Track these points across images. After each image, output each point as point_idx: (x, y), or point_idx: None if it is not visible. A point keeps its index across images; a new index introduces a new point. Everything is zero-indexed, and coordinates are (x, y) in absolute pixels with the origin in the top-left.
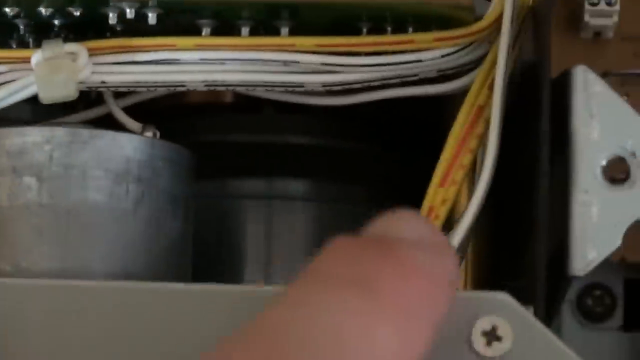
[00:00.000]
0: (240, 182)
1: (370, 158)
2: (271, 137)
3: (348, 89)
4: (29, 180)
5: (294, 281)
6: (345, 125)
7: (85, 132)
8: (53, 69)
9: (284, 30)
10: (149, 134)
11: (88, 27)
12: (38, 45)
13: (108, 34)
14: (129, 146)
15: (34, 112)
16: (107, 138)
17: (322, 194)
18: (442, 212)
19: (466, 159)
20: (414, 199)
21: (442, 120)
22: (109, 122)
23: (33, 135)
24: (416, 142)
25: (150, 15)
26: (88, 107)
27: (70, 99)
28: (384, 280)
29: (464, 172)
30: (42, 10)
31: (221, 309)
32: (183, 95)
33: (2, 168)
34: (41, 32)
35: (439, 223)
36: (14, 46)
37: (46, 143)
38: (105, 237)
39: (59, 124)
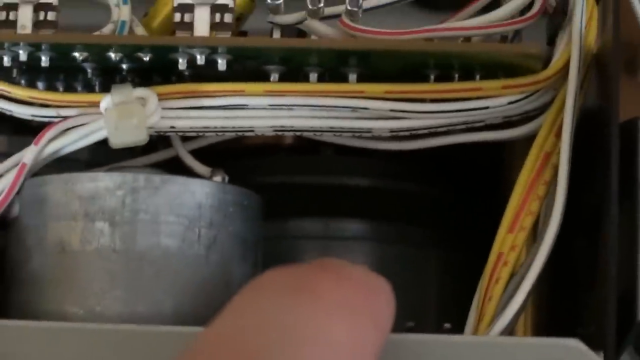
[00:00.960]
0: (297, 222)
1: (427, 200)
2: (329, 178)
3: (414, 135)
4: (101, 225)
5: (238, 294)
6: (402, 167)
7: (157, 178)
8: (123, 113)
9: (352, 77)
10: (217, 178)
11: (154, 71)
12: (104, 88)
13: (173, 78)
14: (201, 191)
15: (95, 153)
16: (178, 183)
17: (378, 235)
18: (512, 258)
19: (534, 206)
20: (470, 241)
21: (500, 163)
22: (173, 165)
23: (105, 181)
24: (474, 185)
25: (220, 61)
26: (150, 150)
27: (141, 143)
28: (323, 284)
29: (532, 219)
30: (112, 55)
31: None
32: (243, 136)
33: (74, 213)
34: (107, 76)
35: (508, 270)
36: (79, 89)
37: (118, 188)
38: (177, 282)
39: (125, 168)
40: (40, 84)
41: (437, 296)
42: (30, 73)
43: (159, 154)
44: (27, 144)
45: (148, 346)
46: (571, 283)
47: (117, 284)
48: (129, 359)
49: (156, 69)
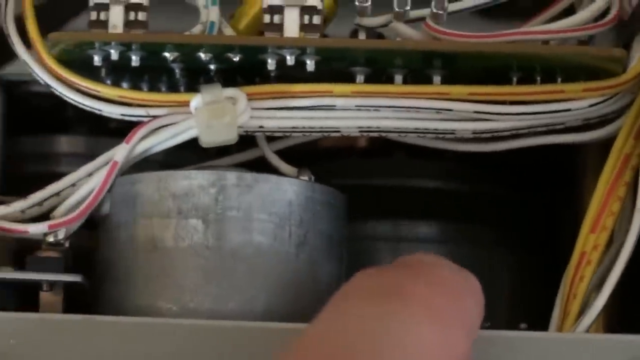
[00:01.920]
0: (369, 224)
1: (497, 201)
2: (400, 180)
3: (495, 136)
4: (195, 223)
5: (331, 300)
6: (473, 169)
7: (249, 176)
8: (213, 113)
9: (436, 79)
10: (304, 177)
11: (239, 72)
12: (188, 88)
13: (257, 79)
14: (291, 190)
15: (169, 154)
16: (271, 182)
17: (449, 237)
18: (594, 257)
19: (615, 206)
20: (541, 242)
21: (571, 164)
22: (256, 165)
23: (198, 179)
24: (544, 186)
25: (308, 62)
26: (224, 152)
27: (231, 143)
28: (412, 289)
29: (613, 219)
30: (202, 55)
31: None
32: (318, 138)
33: (167, 210)
34: (192, 76)
35: (591, 268)
36: (163, 89)
37: (212, 186)
38: (268, 279)
39: (212, 167)
40: (124, 84)
41: (510, 296)
42: (116, 73)
43: (246, 153)
44: (103, 145)
45: (240, 342)
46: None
47: (210, 281)
48: (222, 354)
49: (242, 69)
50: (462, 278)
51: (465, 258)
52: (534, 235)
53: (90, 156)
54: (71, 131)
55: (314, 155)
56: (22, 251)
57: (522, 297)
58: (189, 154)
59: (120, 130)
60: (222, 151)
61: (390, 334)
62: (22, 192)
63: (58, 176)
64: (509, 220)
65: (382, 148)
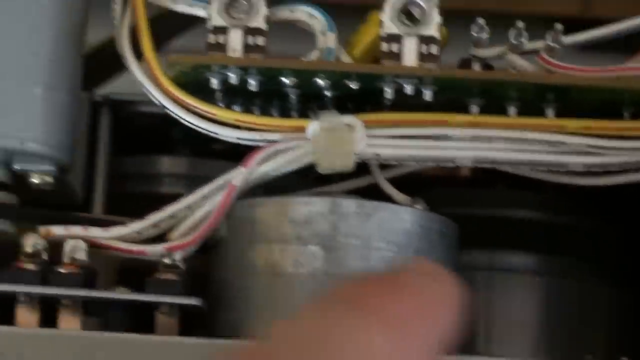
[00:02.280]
0: (465, 253)
1: (596, 234)
2: (501, 211)
3: (605, 171)
4: (314, 249)
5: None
6: (572, 202)
7: (369, 204)
8: (332, 140)
9: (549, 111)
10: (418, 206)
11: (351, 99)
12: (301, 114)
13: (368, 107)
14: (409, 219)
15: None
16: (389, 210)
17: (547, 269)
18: None
19: None
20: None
21: None
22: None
23: (318, 205)
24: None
25: (425, 91)
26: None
27: (348, 170)
28: (375, 299)
29: None
30: (319, 81)
31: None
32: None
33: (286, 236)
34: (306, 102)
35: None
36: (274, 114)
37: (331, 213)
38: None
39: (324, 194)
40: (236, 107)
41: (608, 330)
42: (229, 95)
43: (357, 180)
44: (205, 167)
45: None
46: None
47: None
48: None
49: (355, 96)
50: (437, 287)
51: (562, 291)
52: (632, 269)
53: (192, 177)
54: (174, 152)
55: (414, 183)
56: (127, 271)
57: (622, 330)
58: (293, 178)
59: (223, 152)
60: (324, 177)
61: (334, 338)
62: (125, 211)
63: (160, 197)
64: (607, 253)
65: (482, 178)
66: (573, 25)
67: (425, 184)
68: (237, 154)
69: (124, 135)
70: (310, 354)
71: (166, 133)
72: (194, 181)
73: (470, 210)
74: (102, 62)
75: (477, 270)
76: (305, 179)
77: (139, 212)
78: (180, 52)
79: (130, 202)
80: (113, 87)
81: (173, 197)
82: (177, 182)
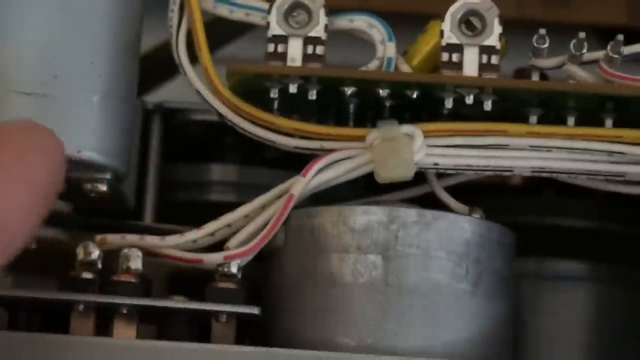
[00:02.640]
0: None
1: None
2: (549, 219)
3: None
4: (374, 259)
5: None
6: (622, 210)
7: (429, 214)
8: (392, 149)
9: (608, 122)
10: (476, 215)
11: (409, 108)
12: (358, 123)
13: (424, 116)
14: (469, 228)
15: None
16: (449, 220)
17: (596, 276)
18: None
19: None
20: None
21: None
22: (417, 201)
23: (378, 214)
24: None
25: (485, 101)
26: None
27: (407, 179)
28: None
29: None
30: (379, 91)
31: None
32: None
33: (346, 245)
34: (363, 111)
35: None
36: (330, 122)
37: (391, 222)
38: (446, 317)
39: (381, 202)
40: (293, 116)
41: None
42: (287, 104)
43: (413, 189)
44: (256, 175)
45: None
46: None
47: (389, 317)
48: None
49: (412, 106)
50: (35, 137)
51: (611, 297)
52: None
53: (242, 185)
54: (224, 159)
55: (463, 191)
56: (177, 279)
57: None
58: (342, 186)
59: (274, 160)
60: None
61: None
62: (175, 219)
63: (210, 204)
64: None
65: (530, 185)
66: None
67: (475, 192)
68: (287, 161)
69: (175, 143)
70: None
71: (217, 141)
72: (244, 189)
73: (520, 218)
74: (153, 68)
75: (526, 277)
76: (355, 188)
77: (189, 220)
78: (224, 59)
79: (180, 210)
80: (160, 94)
81: (223, 205)
82: (227, 189)
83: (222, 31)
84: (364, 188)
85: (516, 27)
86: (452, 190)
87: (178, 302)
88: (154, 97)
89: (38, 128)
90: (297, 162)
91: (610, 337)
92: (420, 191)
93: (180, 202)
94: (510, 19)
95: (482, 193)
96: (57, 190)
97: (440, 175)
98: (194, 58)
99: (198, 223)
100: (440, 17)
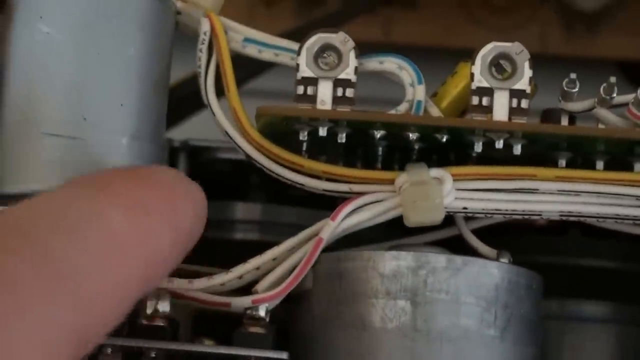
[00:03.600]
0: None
1: None
2: (574, 259)
3: None
4: (403, 304)
5: None
6: None
7: (459, 259)
8: (420, 193)
9: (637, 166)
10: (504, 259)
11: (436, 151)
12: (385, 166)
13: (453, 158)
14: (498, 274)
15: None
16: (478, 265)
17: (621, 317)
18: None
19: None
20: None
21: None
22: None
23: (408, 260)
24: None
25: (515, 145)
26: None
27: (436, 223)
28: (120, 184)
29: None
30: (409, 134)
31: None
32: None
33: (375, 290)
34: (390, 153)
35: None
36: (358, 165)
37: (420, 268)
38: None
39: (405, 246)
40: (320, 157)
41: None
42: (314, 146)
43: (441, 232)
44: (280, 213)
45: None
46: None
47: None
48: None
49: (441, 148)
50: (184, 185)
51: (632, 339)
52: None
53: (266, 223)
54: (248, 197)
55: (489, 230)
56: (200, 320)
57: None
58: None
59: (299, 198)
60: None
61: (71, 213)
62: (198, 257)
63: (234, 243)
64: None
65: (556, 226)
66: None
67: (499, 231)
68: (313, 200)
69: (201, 180)
70: (46, 227)
71: (242, 179)
72: (269, 227)
73: (544, 258)
74: (178, 102)
75: (549, 318)
76: (379, 226)
77: (212, 259)
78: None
79: (203, 248)
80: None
81: (247, 244)
82: (251, 228)
83: (249, 65)
84: (388, 225)
85: (539, 62)
86: (475, 230)
87: (207, 347)
88: (179, 132)
89: (187, 178)
90: (322, 200)
91: None
92: (448, 234)
93: (205, 239)
94: (533, 53)
95: (506, 232)
96: (194, 242)
97: (468, 218)
98: (219, 91)
99: (221, 261)
100: (471, 58)
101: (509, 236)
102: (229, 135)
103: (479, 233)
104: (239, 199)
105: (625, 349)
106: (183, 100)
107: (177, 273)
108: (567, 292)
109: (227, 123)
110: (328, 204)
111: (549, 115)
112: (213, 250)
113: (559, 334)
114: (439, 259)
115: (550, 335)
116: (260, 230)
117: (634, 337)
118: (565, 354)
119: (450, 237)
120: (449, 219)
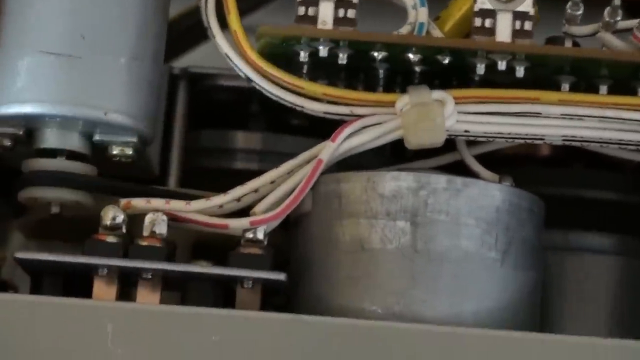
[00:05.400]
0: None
1: None
2: (578, 191)
3: None
4: (403, 225)
5: None
6: None
7: (459, 180)
8: (421, 115)
9: None
10: (507, 183)
11: (439, 75)
12: (387, 89)
13: (454, 83)
14: (499, 196)
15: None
16: (479, 187)
17: (622, 248)
18: None
19: None
20: None
21: None
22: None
23: (408, 181)
24: None
25: (518, 68)
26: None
27: (437, 145)
28: None
29: None
30: (410, 56)
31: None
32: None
33: (375, 211)
34: (392, 77)
35: None
36: (360, 88)
37: (421, 189)
38: (475, 284)
39: (410, 170)
40: (322, 81)
41: None
42: (316, 69)
43: (444, 157)
44: (280, 142)
45: (447, 347)
46: None
47: (417, 284)
48: (428, 358)
49: (443, 72)
50: None
51: (633, 270)
52: None
53: (267, 152)
54: (249, 127)
55: (493, 162)
56: (202, 246)
57: None
58: (369, 154)
59: (299, 127)
60: (400, 154)
61: None
62: (199, 186)
63: (234, 172)
64: None
65: (560, 157)
66: None
67: (503, 163)
68: (312, 129)
69: (201, 109)
70: None
71: (242, 107)
72: (269, 156)
73: (548, 190)
74: (179, 35)
75: (554, 250)
76: (382, 156)
77: (212, 188)
78: (251, 27)
79: (204, 177)
80: (186, 61)
81: (247, 173)
82: (251, 157)
83: None
84: (391, 156)
85: None
86: (481, 161)
87: (202, 267)
88: (180, 63)
89: None
90: (321, 129)
91: (634, 309)
92: (450, 159)
93: (205, 169)
94: None
95: (510, 164)
96: None
97: (470, 143)
98: (223, 25)
99: (222, 190)
100: None
101: (513, 168)
102: (229, 58)
103: (483, 165)
104: (240, 128)
105: (628, 280)
106: (185, 32)
107: (176, 196)
108: (570, 223)
109: (227, 45)
110: (328, 133)
111: (553, 42)
112: (214, 179)
113: (562, 265)
114: (440, 180)
115: (553, 266)
116: (260, 160)
117: (635, 268)
118: (568, 285)
119: (453, 163)
120: (452, 145)
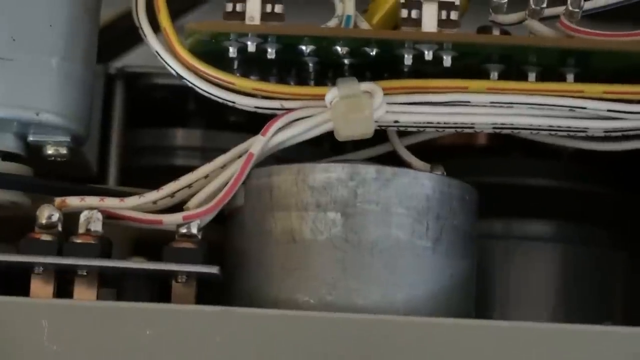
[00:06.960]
0: (481, 222)
1: (612, 201)
2: (516, 179)
3: (624, 136)
4: (334, 216)
5: None
6: (587, 169)
7: (389, 170)
8: (351, 107)
9: (569, 77)
10: (438, 172)
11: (369, 67)
12: (318, 82)
13: (385, 75)
14: (429, 185)
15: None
16: (409, 176)
17: (564, 236)
18: None
19: None
20: None
21: None
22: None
23: (337, 172)
24: None
25: (445, 57)
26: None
27: (367, 137)
28: None
29: None
30: (338, 49)
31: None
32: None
33: (305, 203)
34: (322, 70)
35: None
36: (291, 82)
37: (350, 179)
38: (407, 273)
39: (341, 161)
40: (253, 76)
41: (626, 295)
42: (246, 65)
43: (376, 148)
44: (219, 139)
45: (379, 335)
46: None
47: (349, 274)
48: (360, 348)
49: (372, 64)
50: None
51: (577, 257)
52: None
53: (206, 149)
54: (188, 124)
55: (431, 153)
56: (144, 243)
57: (638, 296)
58: (305, 148)
59: (238, 124)
60: (338, 146)
61: None
62: (139, 184)
63: (175, 169)
64: (623, 219)
65: (498, 146)
66: None
67: (442, 154)
68: (251, 125)
69: (138, 108)
70: None
71: (180, 105)
72: (209, 153)
73: (487, 179)
74: (116, 36)
75: (494, 238)
76: (320, 149)
77: (153, 185)
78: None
79: (144, 175)
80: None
81: (188, 170)
82: (191, 154)
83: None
84: (330, 150)
85: None
86: (418, 152)
87: (137, 263)
88: (121, 64)
89: None
90: (261, 125)
91: (578, 296)
92: (383, 150)
93: (145, 167)
94: None
95: (448, 154)
96: None
97: (403, 133)
98: (155, 27)
99: None
100: None
101: (453, 159)
102: (159, 55)
103: (421, 156)
104: (179, 126)
105: (570, 266)
106: (120, 34)
107: (111, 194)
108: (511, 212)
109: (157, 43)
110: None
111: (484, 32)
112: (155, 177)
113: (505, 254)
114: (369, 170)
115: (495, 255)
116: (200, 157)
117: (579, 255)
118: (511, 273)
119: (389, 154)
120: (383, 136)
